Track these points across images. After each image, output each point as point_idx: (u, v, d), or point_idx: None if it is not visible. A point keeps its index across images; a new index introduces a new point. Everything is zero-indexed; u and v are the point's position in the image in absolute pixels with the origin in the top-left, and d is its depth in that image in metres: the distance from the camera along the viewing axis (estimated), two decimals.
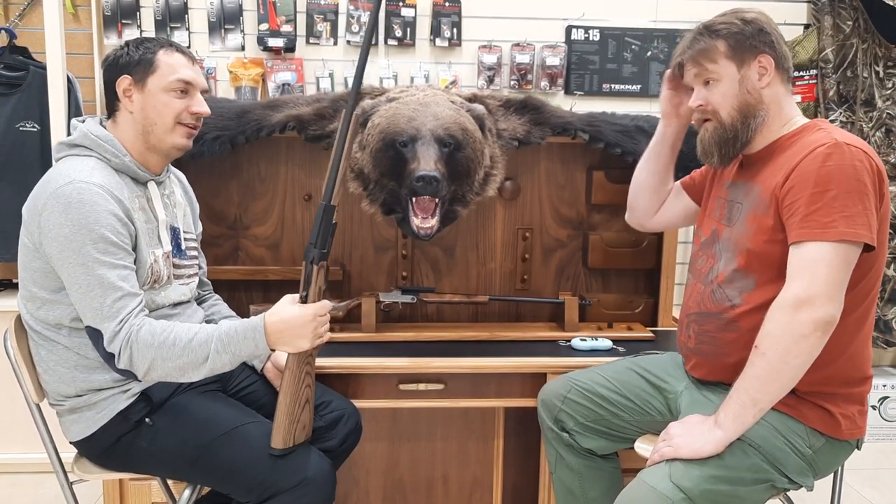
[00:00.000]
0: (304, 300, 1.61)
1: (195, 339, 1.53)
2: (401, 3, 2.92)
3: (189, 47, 2.92)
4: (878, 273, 1.55)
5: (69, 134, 1.67)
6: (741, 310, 1.58)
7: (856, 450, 1.62)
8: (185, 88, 1.66)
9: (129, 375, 1.56)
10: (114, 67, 1.66)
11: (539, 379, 1.98)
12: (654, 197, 1.95)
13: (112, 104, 1.68)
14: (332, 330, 1.69)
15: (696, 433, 1.48)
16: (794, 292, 1.43)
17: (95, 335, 1.53)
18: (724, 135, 1.63)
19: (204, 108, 1.71)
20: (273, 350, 1.59)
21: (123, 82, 1.64)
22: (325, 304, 1.62)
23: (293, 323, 1.56)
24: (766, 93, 1.60)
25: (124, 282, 1.53)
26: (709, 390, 1.66)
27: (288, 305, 1.59)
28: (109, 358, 1.53)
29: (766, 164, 1.61)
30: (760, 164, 1.63)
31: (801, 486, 1.54)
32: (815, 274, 1.42)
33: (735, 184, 1.70)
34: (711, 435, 1.47)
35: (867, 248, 1.46)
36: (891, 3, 2.90)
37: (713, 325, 1.63)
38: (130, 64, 1.64)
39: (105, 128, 1.67)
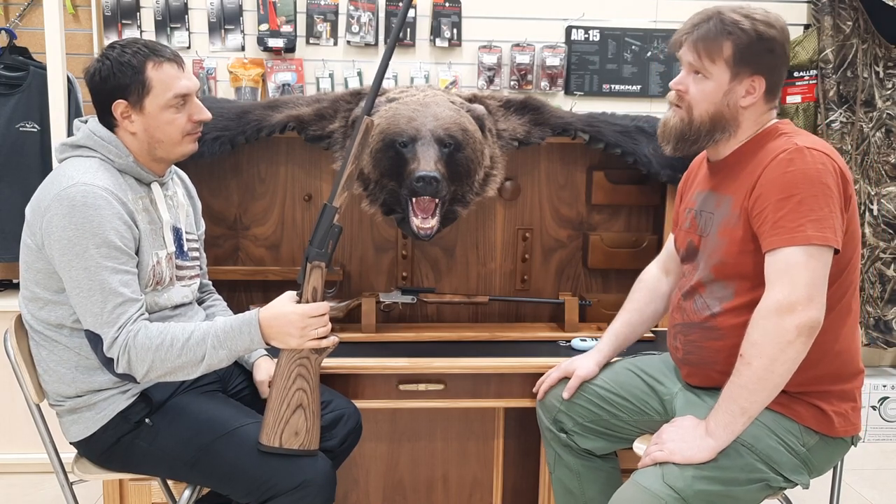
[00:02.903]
0: (299, 298, 1.62)
1: (192, 339, 1.54)
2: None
3: (189, 47, 2.93)
4: (854, 270, 1.55)
5: (70, 134, 1.66)
6: (721, 318, 1.58)
7: (852, 447, 1.62)
8: (183, 100, 1.64)
9: (128, 379, 1.56)
10: (102, 88, 1.60)
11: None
12: (661, 303, 1.89)
13: (108, 121, 1.64)
14: (332, 330, 1.68)
15: (689, 439, 1.48)
16: (775, 299, 1.43)
17: (95, 339, 1.53)
18: (686, 132, 1.60)
19: (205, 115, 1.69)
20: (268, 344, 1.60)
21: (119, 107, 1.60)
22: (321, 306, 1.61)
23: (283, 319, 1.58)
24: (744, 112, 1.57)
25: (125, 287, 1.53)
26: (704, 391, 1.66)
27: (284, 301, 1.61)
28: (108, 363, 1.53)
29: (732, 172, 1.60)
30: (727, 173, 1.61)
31: (797, 485, 1.54)
32: (794, 279, 1.42)
33: (702, 193, 1.69)
34: (704, 443, 1.47)
35: (834, 251, 1.46)
36: (891, 4, 2.90)
37: (697, 334, 1.63)
38: (121, 87, 1.59)
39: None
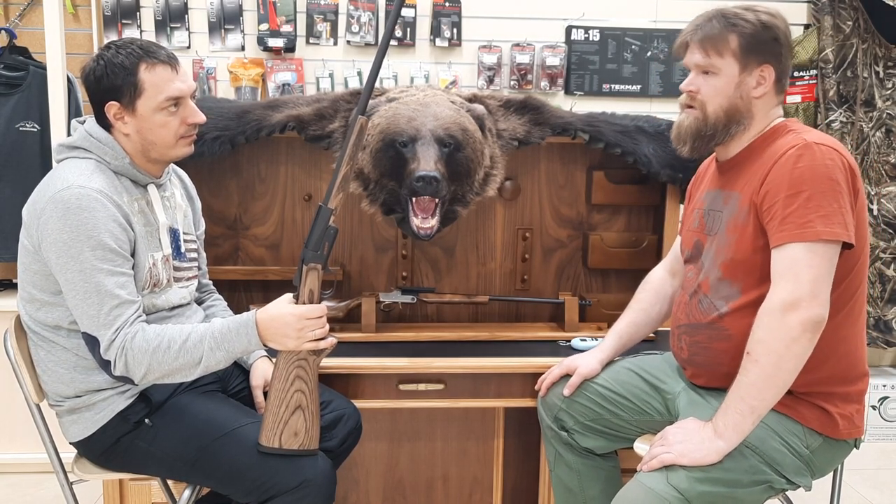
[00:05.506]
0: (296, 300, 1.62)
1: (189, 341, 1.54)
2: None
3: (189, 47, 2.93)
4: (862, 269, 1.55)
5: (69, 134, 1.66)
6: (729, 318, 1.57)
7: (854, 449, 1.62)
8: (176, 102, 1.63)
9: (126, 381, 1.56)
10: (96, 88, 1.60)
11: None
12: (667, 305, 1.89)
13: (103, 122, 1.63)
14: (332, 330, 1.68)
15: (696, 440, 1.48)
16: (779, 296, 1.43)
17: (92, 341, 1.53)
18: (702, 129, 1.61)
19: (199, 118, 1.67)
20: (265, 346, 1.60)
21: (112, 108, 1.60)
22: (317, 308, 1.61)
23: (280, 320, 1.57)
24: (757, 103, 1.59)
25: (122, 289, 1.53)
26: (707, 391, 1.65)
27: (282, 302, 1.61)
28: (106, 365, 1.53)
29: (741, 170, 1.61)
30: (736, 170, 1.62)
31: (799, 487, 1.54)
32: (799, 275, 1.42)
33: (711, 193, 1.69)
34: (713, 445, 1.46)
35: (847, 246, 1.47)
36: (891, 3, 2.90)
37: (703, 335, 1.63)
38: (114, 89, 1.59)
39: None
